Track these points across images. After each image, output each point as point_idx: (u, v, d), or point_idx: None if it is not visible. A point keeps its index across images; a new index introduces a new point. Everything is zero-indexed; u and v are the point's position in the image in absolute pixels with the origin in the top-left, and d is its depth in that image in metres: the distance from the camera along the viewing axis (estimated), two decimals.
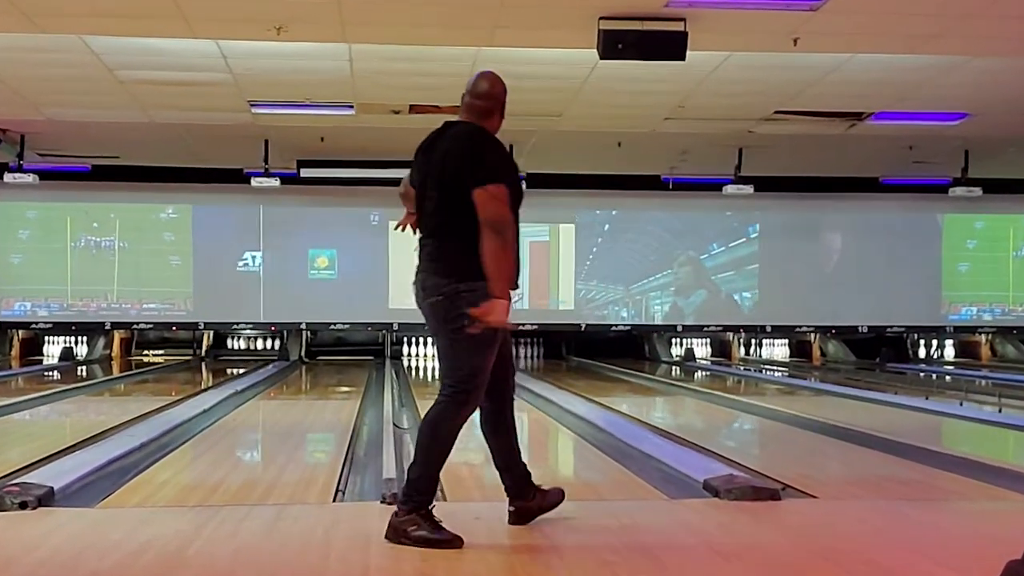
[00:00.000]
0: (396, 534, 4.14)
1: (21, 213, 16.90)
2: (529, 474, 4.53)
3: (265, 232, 17.21)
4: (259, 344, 18.47)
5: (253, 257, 17.19)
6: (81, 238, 17.01)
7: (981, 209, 17.70)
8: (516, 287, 4.26)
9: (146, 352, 18.08)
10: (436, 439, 4.21)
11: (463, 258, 4.14)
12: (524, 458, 4.54)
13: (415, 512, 4.13)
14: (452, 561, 3.94)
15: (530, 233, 17.42)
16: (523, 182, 4.61)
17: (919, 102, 11.59)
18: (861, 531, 4.52)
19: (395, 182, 18.32)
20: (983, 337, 18.83)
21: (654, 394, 12.47)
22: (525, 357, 17.93)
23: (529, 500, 4.50)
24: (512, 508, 4.50)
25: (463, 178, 4.15)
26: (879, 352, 17.84)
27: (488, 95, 4.37)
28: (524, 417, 9.62)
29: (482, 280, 4.08)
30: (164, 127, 12.92)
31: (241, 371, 15.08)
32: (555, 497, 4.58)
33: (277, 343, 18.15)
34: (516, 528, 4.48)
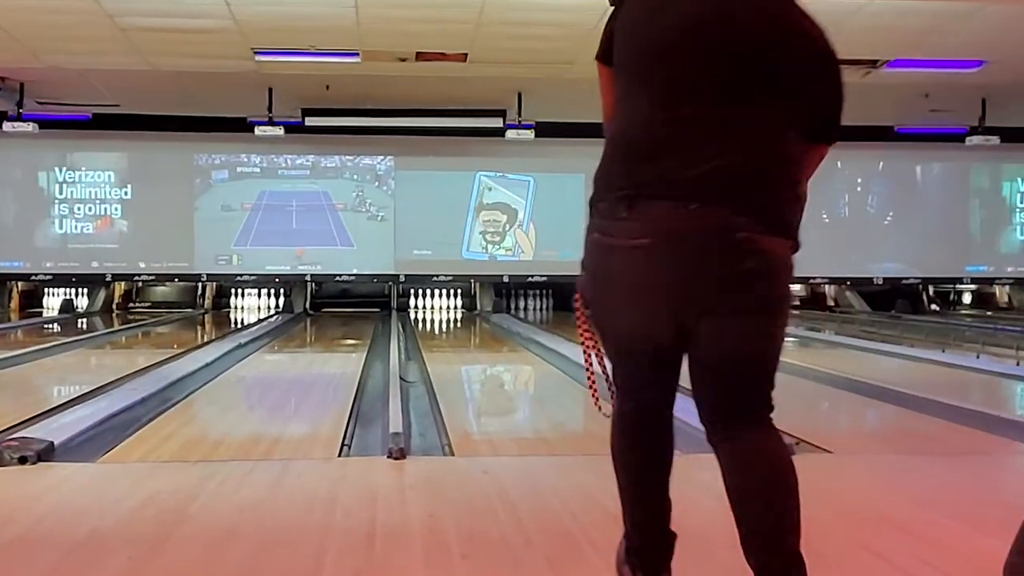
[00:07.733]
0: None
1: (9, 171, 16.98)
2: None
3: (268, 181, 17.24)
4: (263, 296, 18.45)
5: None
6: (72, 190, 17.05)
7: (1007, 160, 17.77)
8: None
9: (148, 304, 18.09)
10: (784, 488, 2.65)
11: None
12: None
13: None
14: (461, 512, 3.94)
15: (535, 184, 17.38)
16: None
17: (935, 49, 11.51)
18: (873, 486, 4.50)
19: (403, 131, 18.20)
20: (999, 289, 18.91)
21: None
22: (535, 309, 17.93)
23: None
24: None
25: None
26: (894, 304, 17.84)
27: None
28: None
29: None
30: (166, 75, 12.87)
31: (245, 323, 15.11)
32: None
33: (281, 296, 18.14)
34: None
